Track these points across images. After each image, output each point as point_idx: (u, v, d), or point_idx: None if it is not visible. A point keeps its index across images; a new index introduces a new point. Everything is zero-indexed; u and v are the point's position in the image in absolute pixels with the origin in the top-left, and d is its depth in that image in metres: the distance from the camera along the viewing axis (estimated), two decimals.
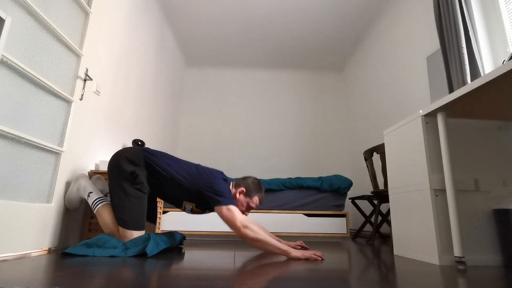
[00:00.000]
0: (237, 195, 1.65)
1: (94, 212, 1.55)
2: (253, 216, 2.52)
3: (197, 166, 1.64)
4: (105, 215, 1.51)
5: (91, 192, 1.59)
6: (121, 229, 1.47)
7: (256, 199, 1.66)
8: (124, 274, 0.97)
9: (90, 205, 1.57)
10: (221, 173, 1.66)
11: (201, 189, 1.53)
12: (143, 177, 1.53)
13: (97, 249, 1.36)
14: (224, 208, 1.44)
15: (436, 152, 1.48)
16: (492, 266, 1.31)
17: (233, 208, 1.45)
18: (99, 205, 1.55)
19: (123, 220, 1.46)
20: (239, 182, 1.69)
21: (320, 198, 2.60)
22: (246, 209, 1.66)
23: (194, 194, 1.56)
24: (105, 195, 1.68)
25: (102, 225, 1.52)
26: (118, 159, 1.55)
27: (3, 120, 1.28)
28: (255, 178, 1.71)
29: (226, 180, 1.64)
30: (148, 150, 1.61)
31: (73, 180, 1.69)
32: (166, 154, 1.66)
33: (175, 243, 1.66)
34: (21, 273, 0.96)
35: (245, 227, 1.41)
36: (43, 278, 0.87)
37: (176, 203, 1.64)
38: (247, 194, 1.65)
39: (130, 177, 1.50)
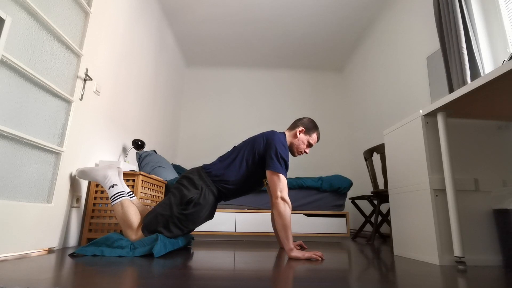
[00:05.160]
0: (297, 134, 1.73)
1: (112, 204, 1.56)
2: (253, 215, 2.52)
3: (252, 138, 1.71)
4: (125, 210, 1.53)
5: (115, 184, 1.60)
6: (139, 229, 1.51)
7: (314, 136, 1.76)
8: (125, 274, 0.97)
9: (110, 195, 1.58)
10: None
11: (263, 150, 1.61)
12: (198, 207, 1.55)
13: (106, 249, 1.38)
14: (274, 174, 1.52)
15: (436, 152, 1.48)
16: (492, 266, 1.31)
17: (282, 177, 1.52)
18: (121, 198, 1.56)
19: (148, 227, 1.50)
20: (295, 123, 1.78)
21: (320, 198, 2.60)
22: (307, 147, 1.75)
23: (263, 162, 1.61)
24: (128, 193, 1.69)
25: (119, 218, 1.54)
26: (183, 180, 1.61)
27: (3, 120, 1.28)
28: (309, 117, 1.80)
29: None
30: (207, 167, 1.68)
31: (104, 167, 1.69)
32: (220, 160, 1.70)
33: (184, 244, 1.67)
34: (21, 273, 0.96)
35: (283, 198, 1.48)
36: (43, 278, 0.87)
37: (258, 185, 1.72)
38: (307, 132, 1.74)
39: (184, 202, 1.53)
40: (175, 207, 1.52)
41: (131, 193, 1.68)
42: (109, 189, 1.59)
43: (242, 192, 1.71)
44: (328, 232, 2.52)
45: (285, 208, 1.46)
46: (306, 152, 1.77)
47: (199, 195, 1.56)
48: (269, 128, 4.57)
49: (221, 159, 1.70)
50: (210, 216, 1.66)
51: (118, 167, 1.70)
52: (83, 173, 1.71)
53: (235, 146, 1.74)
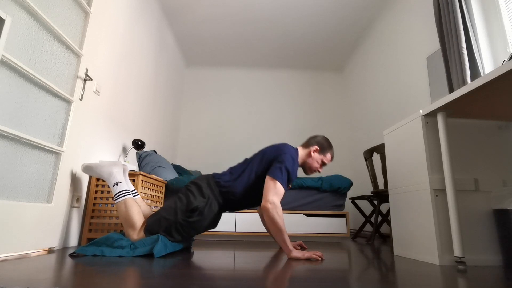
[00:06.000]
0: (312, 153, 1.69)
1: (116, 201, 1.55)
2: (253, 215, 2.52)
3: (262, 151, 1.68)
4: (128, 209, 1.52)
5: (120, 182, 1.59)
6: (141, 230, 1.50)
7: (329, 155, 1.73)
8: (126, 274, 0.97)
9: (114, 193, 1.57)
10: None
11: (272, 159, 1.58)
12: (201, 217, 1.53)
13: (106, 248, 1.38)
14: (272, 180, 1.48)
15: (436, 152, 1.48)
16: (492, 266, 1.31)
17: (278, 184, 1.48)
18: (125, 197, 1.55)
19: (150, 228, 1.49)
20: (309, 141, 1.74)
21: (320, 198, 2.60)
22: (320, 166, 1.73)
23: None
24: (132, 191, 1.68)
25: (122, 217, 1.53)
26: (192, 187, 1.59)
27: (3, 120, 1.28)
28: (323, 136, 1.76)
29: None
30: (217, 177, 1.64)
31: (110, 163, 1.68)
32: (230, 171, 1.67)
33: (185, 246, 1.66)
34: (21, 273, 0.96)
35: (273, 202, 1.42)
36: (43, 278, 0.87)
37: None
38: (321, 151, 1.71)
39: (189, 209, 1.51)
40: (180, 213, 1.51)
41: (135, 191, 1.68)
42: (113, 186, 1.59)
43: (248, 204, 1.67)
44: (328, 232, 2.52)
45: (276, 212, 1.41)
46: (319, 171, 1.74)
47: (205, 204, 1.53)
48: (269, 128, 4.58)
49: (232, 170, 1.67)
50: (213, 225, 1.63)
51: (123, 164, 1.70)
52: (88, 168, 1.71)
53: (246, 158, 1.73)
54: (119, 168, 1.66)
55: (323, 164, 1.73)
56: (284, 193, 1.52)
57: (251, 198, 1.63)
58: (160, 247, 1.39)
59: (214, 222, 1.62)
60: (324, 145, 1.72)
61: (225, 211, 1.67)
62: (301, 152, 1.72)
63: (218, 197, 1.59)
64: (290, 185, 1.68)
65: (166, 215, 1.51)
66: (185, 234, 1.53)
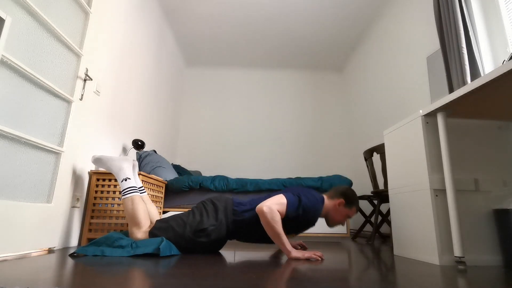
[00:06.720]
0: (337, 206, 1.64)
1: (123, 197, 1.56)
2: None
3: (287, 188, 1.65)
4: (134, 206, 1.53)
5: (129, 178, 1.60)
6: (147, 231, 1.50)
7: (354, 209, 1.67)
8: (126, 274, 0.97)
9: (122, 189, 1.59)
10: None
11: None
12: (208, 239, 1.51)
13: (106, 248, 1.38)
14: (280, 195, 1.50)
15: (436, 152, 1.47)
16: (492, 266, 1.31)
17: (284, 200, 1.47)
18: (132, 194, 1.56)
19: (156, 233, 1.49)
20: (334, 194, 1.67)
21: None
22: (344, 219, 1.67)
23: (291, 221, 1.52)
24: (140, 188, 1.68)
25: (127, 214, 1.53)
26: (209, 205, 1.58)
27: (3, 120, 1.28)
28: (349, 188, 1.70)
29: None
30: (235, 204, 1.61)
31: (120, 158, 1.69)
32: (250, 201, 1.63)
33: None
34: (21, 273, 0.96)
35: (268, 208, 1.40)
36: (43, 278, 0.87)
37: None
38: (347, 205, 1.64)
39: (199, 229, 1.50)
40: (188, 228, 1.49)
41: (143, 188, 1.69)
42: (121, 182, 1.59)
43: (256, 237, 1.61)
44: (328, 232, 2.52)
45: (272, 217, 1.39)
46: (342, 224, 1.71)
47: (214, 227, 1.51)
48: (269, 128, 4.58)
49: (251, 201, 1.64)
50: (215, 249, 1.62)
51: (133, 160, 1.71)
52: (98, 161, 1.71)
53: (269, 193, 1.69)
54: (129, 164, 1.67)
55: (347, 216, 1.67)
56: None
57: (261, 231, 1.53)
58: (165, 246, 1.39)
59: (218, 247, 1.60)
60: (351, 200, 1.66)
61: (232, 239, 1.64)
62: (327, 202, 1.65)
63: (230, 224, 1.56)
64: (305, 229, 1.63)
65: (175, 226, 1.50)
66: (187, 248, 1.53)
